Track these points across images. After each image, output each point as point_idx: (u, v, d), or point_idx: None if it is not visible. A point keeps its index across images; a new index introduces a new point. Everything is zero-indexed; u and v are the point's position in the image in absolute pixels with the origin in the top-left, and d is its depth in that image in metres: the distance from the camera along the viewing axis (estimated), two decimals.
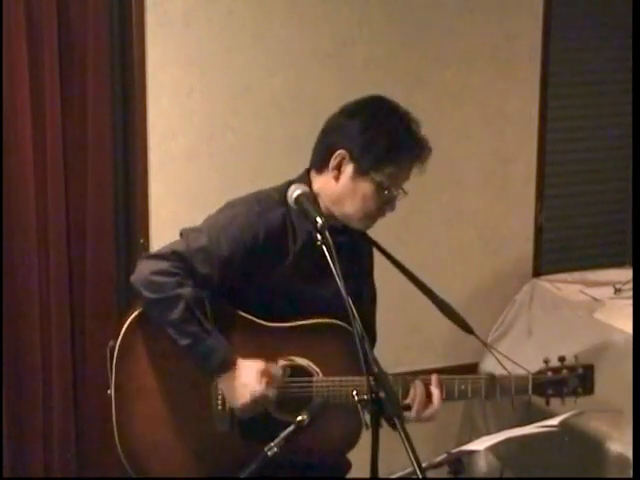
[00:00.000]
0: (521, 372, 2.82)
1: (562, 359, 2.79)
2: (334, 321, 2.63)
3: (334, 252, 2.36)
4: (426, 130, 3.84)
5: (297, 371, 2.65)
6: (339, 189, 2.64)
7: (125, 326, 2.62)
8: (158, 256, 2.60)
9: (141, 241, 3.57)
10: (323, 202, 2.65)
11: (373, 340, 2.89)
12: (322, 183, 2.67)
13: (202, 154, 3.62)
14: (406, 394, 2.67)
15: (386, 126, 2.62)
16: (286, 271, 2.64)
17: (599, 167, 4.29)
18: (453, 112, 3.93)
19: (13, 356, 3.49)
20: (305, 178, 2.70)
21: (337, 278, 2.33)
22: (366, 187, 2.62)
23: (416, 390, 2.66)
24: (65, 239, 3.51)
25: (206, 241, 2.59)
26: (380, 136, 2.61)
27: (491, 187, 4.05)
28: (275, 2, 3.64)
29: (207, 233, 2.61)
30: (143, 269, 2.58)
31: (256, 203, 2.66)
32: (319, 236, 2.40)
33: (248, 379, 2.56)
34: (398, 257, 2.98)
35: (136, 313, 2.62)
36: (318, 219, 2.43)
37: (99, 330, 3.53)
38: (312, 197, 2.56)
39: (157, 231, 3.53)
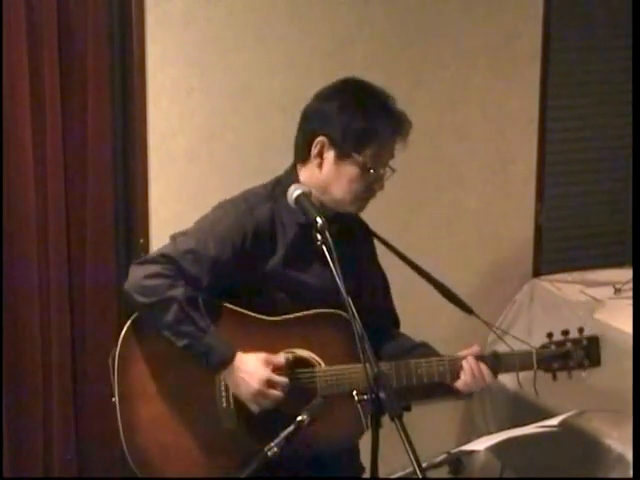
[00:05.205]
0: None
1: (566, 332, 2.77)
2: (333, 311, 2.62)
3: (334, 252, 2.37)
4: (426, 130, 3.89)
5: (299, 363, 2.64)
6: (324, 176, 2.64)
7: (122, 334, 2.64)
8: (148, 260, 2.63)
9: (141, 241, 3.57)
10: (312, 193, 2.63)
11: (397, 323, 2.91)
12: (308, 174, 2.68)
13: (202, 154, 3.62)
14: (456, 376, 2.67)
15: (362, 106, 2.61)
16: (280, 264, 2.65)
17: (599, 167, 4.29)
18: (453, 112, 3.93)
19: (13, 356, 3.49)
20: (292, 172, 2.71)
21: (337, 278, 2.33)
22: (350, 170, 2.61)
23: (468, 369, 2.67)
24: (65, 239, 3.51)
25: (194, 243, 2.61)
26: (357, 117, 2.59)
27: (491, 187, 4.05)
28: (275, 2, 3.64)
29: (195, 235, 2.63)
30: (135, 275, 2.61)
31: (243, 202, 2.68)
32: (319, 236, 2.40)
33: (253, 367, 2.56)
34: None
35: (132, 319, 2.64)
36: (318, 219, 2.43)
37: (99, 330, 3.53)
38: (312, 196, 2.57)
39: (157, 231, 3.53)
